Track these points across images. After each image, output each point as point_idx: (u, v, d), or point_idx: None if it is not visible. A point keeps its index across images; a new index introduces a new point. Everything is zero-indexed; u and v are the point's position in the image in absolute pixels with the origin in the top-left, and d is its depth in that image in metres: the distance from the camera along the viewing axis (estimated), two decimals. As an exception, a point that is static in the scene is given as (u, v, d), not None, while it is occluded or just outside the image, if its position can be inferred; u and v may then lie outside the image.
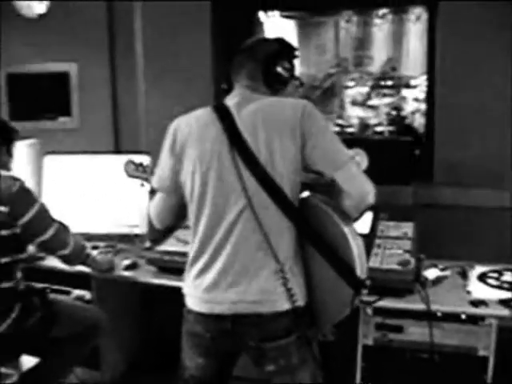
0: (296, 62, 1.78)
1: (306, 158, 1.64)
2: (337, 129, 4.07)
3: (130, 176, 2.37)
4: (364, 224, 2.60)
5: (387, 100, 4.04)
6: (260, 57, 1.73)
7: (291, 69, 1.76)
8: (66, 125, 3.93)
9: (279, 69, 1.72)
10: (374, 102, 4.07)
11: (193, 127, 1.72)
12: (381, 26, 4.00)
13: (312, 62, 4.17)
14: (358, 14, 4.03)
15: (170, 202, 1.85)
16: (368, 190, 1.63)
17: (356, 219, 1.67)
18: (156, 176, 1.85)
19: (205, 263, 1.69)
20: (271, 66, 1.72)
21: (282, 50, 1.75)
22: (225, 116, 1.67)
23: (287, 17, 4.13)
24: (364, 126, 4.09)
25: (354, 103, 4.13)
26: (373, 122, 4.06)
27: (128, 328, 3.20)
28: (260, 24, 4.05)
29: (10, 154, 2.44)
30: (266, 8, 4.03)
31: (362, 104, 4.09)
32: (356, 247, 1.61)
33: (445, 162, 3.42)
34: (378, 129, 4.04)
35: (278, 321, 1.65)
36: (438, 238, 3.16)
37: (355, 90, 4.13)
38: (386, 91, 4.04)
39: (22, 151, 3.04)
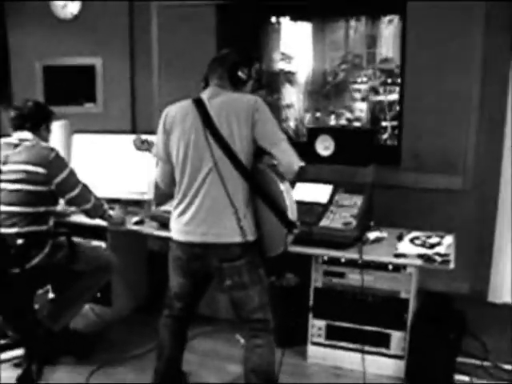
0: (254, 68, 2.43)
1: (254, 137, 2.29)
2: (344, 122, 4.40)
3: (138, 149, 3.00)
4: (324, 195, 3.24)
5: (392, 96, 4.26)
6: (227, 64, 2.39)
7: (249, 73, 2.42)
8: (91, 110, 4.57)
9: (240, 73, 2.39)
10: (380, 97, 4.29)
11: (178, 112, 2.38)
12: (387, 26, 4.23)
13: (326, 58, 4.44)
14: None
15: (166, 167, 2.47)
16: (294, 161, 2.28)
17: (289, 180, 2.32)
18: (154, 148, 2.53)
19: (184, 206, 2.35)
20: (234, 71, 2.39)
21: (243, 59, 2.41)
22: (200, 105, 2.32)
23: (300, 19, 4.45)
24: (372, 119, 4.33)
25: (364, 98, 4.37)
26: (379, 116, 4.29)
27: (137, 275, 3.78)
28: (272, 26, 4.50)
29: (48, 130, 3.06)
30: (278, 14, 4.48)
31: (370, 99, 4.32)
32: (288, 198, 2.26)
33: (410, 151, 4.04)
34: (384, 123, 4.29)
35: (232, 249, 2.30)
36: (396, 212, 3.78)
37: (366, 86, 4.34)
38: (391, 88, 4.26)
39: (54, 130, 3.47)
